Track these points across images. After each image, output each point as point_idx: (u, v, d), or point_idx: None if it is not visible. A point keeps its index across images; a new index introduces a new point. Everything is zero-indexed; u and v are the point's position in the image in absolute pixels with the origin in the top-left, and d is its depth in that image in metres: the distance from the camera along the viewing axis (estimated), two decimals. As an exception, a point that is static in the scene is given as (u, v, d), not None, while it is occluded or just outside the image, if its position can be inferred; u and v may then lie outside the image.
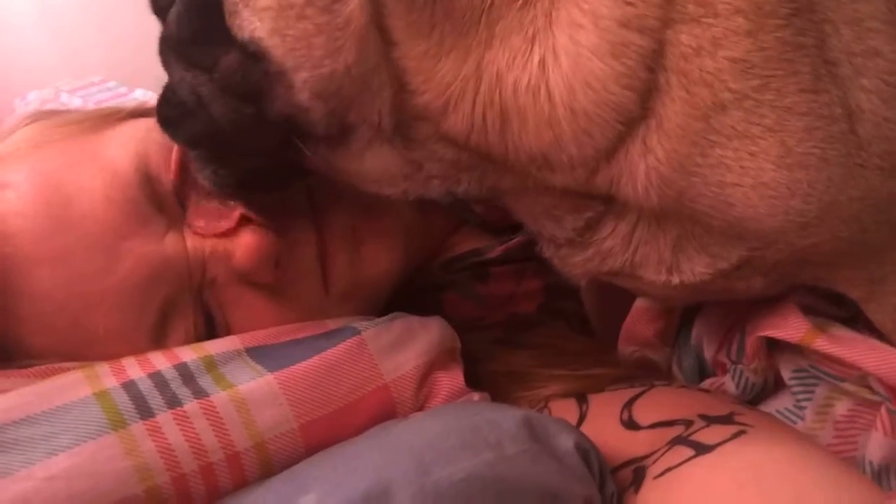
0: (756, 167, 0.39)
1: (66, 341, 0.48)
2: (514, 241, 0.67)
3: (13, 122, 0.58)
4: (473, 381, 0.52)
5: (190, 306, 0.51)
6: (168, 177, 0.50)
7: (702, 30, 0.38)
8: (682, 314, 0.59)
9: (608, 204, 0.45)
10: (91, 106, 1.09)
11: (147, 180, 0.50)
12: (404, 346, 0.50)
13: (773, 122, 0.39)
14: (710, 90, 0.38)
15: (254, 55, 0.40)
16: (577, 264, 0.49)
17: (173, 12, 0.43)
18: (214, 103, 0.43)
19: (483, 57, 0.39)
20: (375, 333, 0.50)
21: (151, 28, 0.46)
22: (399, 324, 0.51)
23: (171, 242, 0.50)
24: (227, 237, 0.51)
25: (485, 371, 0.57)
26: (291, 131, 0.43)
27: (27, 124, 0.55)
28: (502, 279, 0.67)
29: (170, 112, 0.47)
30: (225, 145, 0.46)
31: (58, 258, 0.47)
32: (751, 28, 0.38)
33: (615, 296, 0.58)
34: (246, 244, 0.49)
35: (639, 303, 0.59)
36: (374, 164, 0.45)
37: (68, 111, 0.63)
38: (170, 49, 0.45)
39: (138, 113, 0.58)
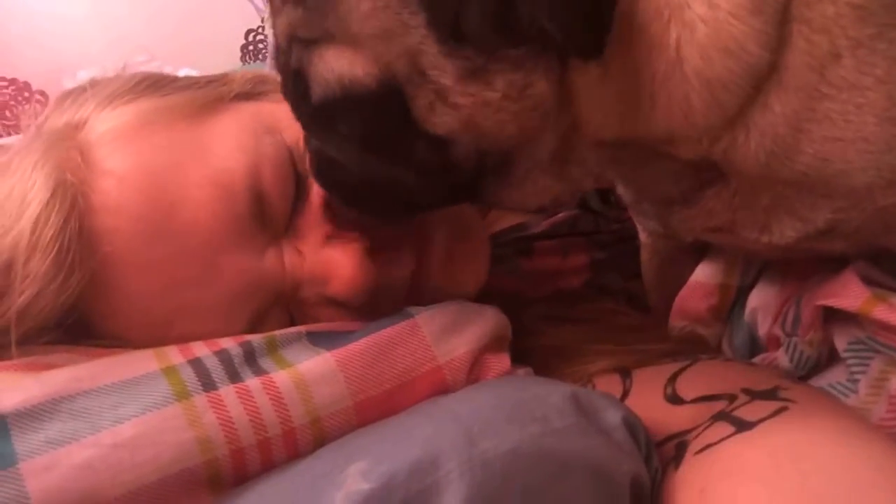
0: (860, 121, 0.39)
1: (144, 336, 0.48)
2: (560, 215, 0.67)
3: (111, 79, 0.55)
4: (518, 356, 0.52)
5: (278, 317, 0.52)
6: (277, 192, 0.50)
7: None
8: (737, 290, 0.58)
9: (717, 170, 0.45)
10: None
11: (257, 198, 0.50)
12: (458, 331, 0.50)
13: (883, 72, 0.38)
14: (828, 37, 0.38)
15: (444, 142, 0.41)
16: (684, 219, 0.49)
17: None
18: (422, 189, 0.45)
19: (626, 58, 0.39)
20: (429, 317, 0.50)
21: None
22: (454, 309, 0.51)
23: (269, 258, 0.51)
24: (326, 257, 0.51)
25: (530, 346, 0.57)
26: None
27: (128, 102, 0.53)
28: (547, 254, 0.67)
29: (335, 183, 0.48)
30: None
31: (154, 266, 0.47)
32: None
33: (674, 270, 0.58)
34: (344, 276, 0.50)
35: (695, 278, 0.59)
36: (534, 189, 0.46)
37: (173, 81, 0.57)
38: (350, 142, 0.44)
39: (243, 95, 0.57)
